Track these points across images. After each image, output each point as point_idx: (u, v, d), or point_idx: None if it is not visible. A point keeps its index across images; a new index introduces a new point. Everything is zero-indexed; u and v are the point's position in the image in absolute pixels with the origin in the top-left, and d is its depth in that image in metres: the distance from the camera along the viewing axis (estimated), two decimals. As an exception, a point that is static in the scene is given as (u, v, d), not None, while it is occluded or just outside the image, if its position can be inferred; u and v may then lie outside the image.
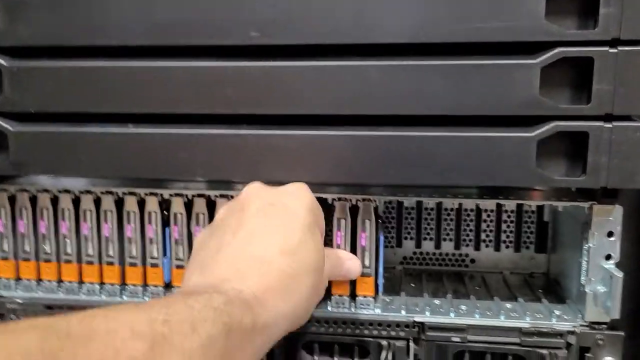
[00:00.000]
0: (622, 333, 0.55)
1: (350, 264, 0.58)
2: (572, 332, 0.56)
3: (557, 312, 0.59)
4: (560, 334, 0.57)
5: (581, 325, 0.57)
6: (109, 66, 0.55)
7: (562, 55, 0.50)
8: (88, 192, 0.62)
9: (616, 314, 0.53)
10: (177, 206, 0.62)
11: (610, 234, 0.55)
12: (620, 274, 0.53)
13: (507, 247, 0.73)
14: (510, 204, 0.72)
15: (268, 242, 0.47)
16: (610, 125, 0.50)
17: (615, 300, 0.53)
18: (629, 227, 0.55)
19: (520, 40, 0.50)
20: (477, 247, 0.74)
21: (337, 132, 0.54)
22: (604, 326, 0.56)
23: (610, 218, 0.55)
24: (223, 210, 0.52)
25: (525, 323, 0.57)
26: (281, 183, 0.53)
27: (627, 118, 0.50)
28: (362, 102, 0.53)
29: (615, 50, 0.49)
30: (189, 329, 0.36)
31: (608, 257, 0.55)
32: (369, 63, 0.52)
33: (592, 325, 0.56)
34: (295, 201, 0.50)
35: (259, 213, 0.48)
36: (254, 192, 0.51)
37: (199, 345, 0.36)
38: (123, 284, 0.64)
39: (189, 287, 0.45)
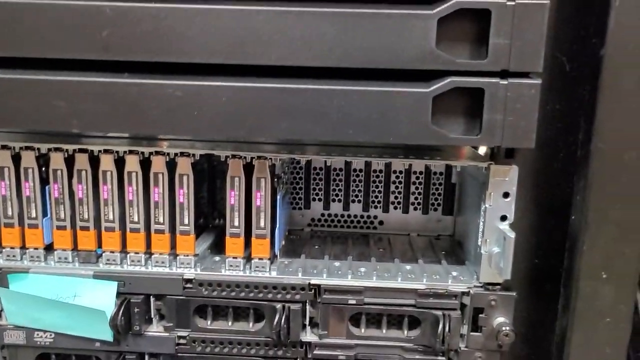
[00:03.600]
0: (513, 294, 0.55)
1: None
2: (466, 293, 0.56)
3: (454, 274, 0.59)
4: (454, 295, 0.56)
5: (475, 287, 0.56)
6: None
7: (459, 6, 0.47)
8: (-45, 145, 0.56)
9: (508, 275, 0.53)
10: (57, 162, 0.56)
11: (506, 195, 0.54)
12: (512, 235, 0.52)
13: (416, 209, 0.72)
14: (418, 166, 0.71)
15: None
16: (505, 82, 0.49)
17: (508, 261, 0.52)
18: (525, 189, 0.54)
19: (417, -11, 0.47)
20: (385, 209, 0.72)
21: (223, 83, 0.50)
22: (498, 287, 0.56)
23: (506, 179, 0.54)
24: None
25: (421, 284, 0.56)
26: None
27: (524, 75, 0.49)
28: (249, 51, 0.49)
29: (513, 3, 0.47)
30: None
31: (503, 218, 0.55)
32: (255, 8, 0.48)
33: (486, 286, 0.56)
34: None
35: None
36: None
37: None
38: (-1, 246, 0.59)
39: None
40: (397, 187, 0.72)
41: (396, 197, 0.72)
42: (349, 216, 0.73)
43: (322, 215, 0.73)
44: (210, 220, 0.71)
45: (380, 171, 0.71)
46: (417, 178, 0.71)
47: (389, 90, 0.49)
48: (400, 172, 0.71)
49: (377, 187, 0.72)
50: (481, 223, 0.56)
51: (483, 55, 0.49)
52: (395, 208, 0.72)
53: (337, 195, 0.73)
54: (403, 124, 0.50)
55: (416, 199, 0.72)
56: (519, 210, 0.54)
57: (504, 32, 0.47)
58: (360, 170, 0.71)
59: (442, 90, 0.49)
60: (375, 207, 0.73)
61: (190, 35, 0.49)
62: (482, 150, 0.62)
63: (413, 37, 0.48)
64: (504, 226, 0.54)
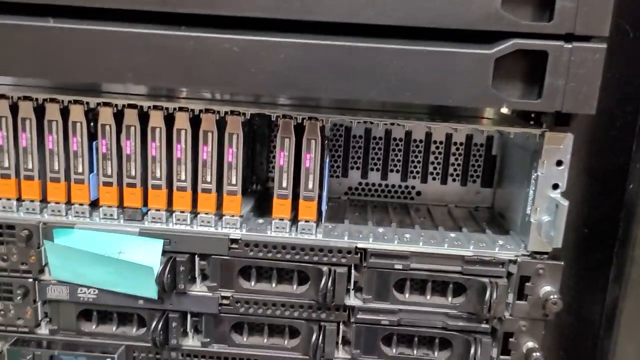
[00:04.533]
0: (561, 263, 0.55)
1: None
2: (513, 261, 0.56)
3: (500, 242, 0.58)
4: (502, 263, 0.56)
5: (523, 255, 0.56)
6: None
7: (527, -34, 0.46)
8: (3, 96, 0.56)
9: (559, 244, 0.52)
10: (105, 117, 0.56)
11: (559, 163, 0.54)
12: (565, 203, 0.51)
13: (454, 180, 0.72)
14: (460, 136, 0.70)
15: None
16: (570, 46, 0.48)
17: (559, 230, 0.52)
18: (577, 157, 0.54)
19: (485, -53, 0.46)
20: (424, 180, 0.72)
21: (283, 39, 0.49)
22: (545, 256, 0.56)
23: (560, 146, 0.53)
24: None
25: (468, 251, 0.56)
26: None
27: (587, 39, 0.48)
28: (310, 7, 0.48)
29: (582, -35, 0.46)
30: None
31: (555, 187, 0.54)
32: (320, -38, 0.47)
33: (534, 254, 0.56)
34: None
35: None
36: None
37: None
38: (44, 200, 0.58)
39: None
40: (436, 158, 0.72)
41: (435, 168, 0.72)
42: (386, 186, 0.73)
43: (360, 184, 0.73)
44: (248, 185, 0.71)
45: (421, 141, 0.71)
46: (457, 149, 0.71)
47: (451, 51, 0.49)
48: (441, 142, 0.71)
49: (416, 157, 0.72)
50: (531, 191, 0.55)
51: (547, 17, 0.48)
52: (434, 179, 0.72)
53: (375, 164, 0.72)
54: (463, 87, 0.49)
55: (455, 170, 0.72)
56: (570, 179, 0.54)
57: (572, -6, 0.47)
58: (400, 139, 0.71)
59: (504, 52, 0.48)
60: (414, 178, 0.72)
61: (249, -11, 0.48)
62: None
63: (479, -3, 0.47)
64: (556, 194, 0.54)
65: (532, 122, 0.58)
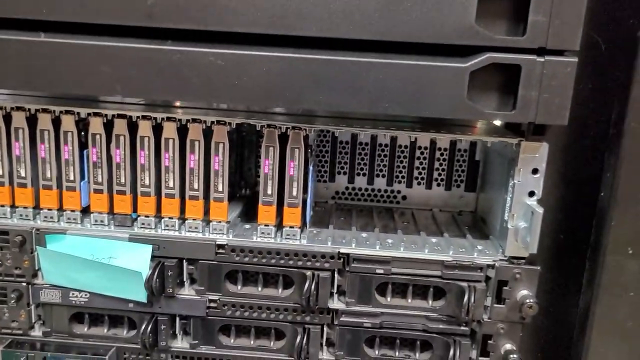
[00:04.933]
0: (538, 268, 0.56)
1: None
2: (491, 266, 0.57)
3: (479, 247, 0.60)
4: (480, 268, 0.57)
5: (501, 260, 0.58)
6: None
7: (500, -17, 0.48)
8: (-4, 107, 0.58)
9: (534, 249, 0.54)
10: (96, 126, 0.58)
11: (535, 171, 0.55)
12: (540, 210, 0.53)
13: (439, 185, 0.74)
14: (444, 142, 0.72)
15: None
16: (542, 59, 0.49)
17: (535, 236, 0.54)
18: (553, 165, 0.55)
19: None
20: (409, 184, 0.74)
21: (266, 53, 0.51)
22: (522, 261, 0.57)
23: (536, 155, 0.55)
24: None
25: (447, 256, 0.58)
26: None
27: (559, 53, 0.49)
28: (290, 22, 0.50)
29: (553, -18, 0.48)
30: None
31: (531, 194, 0.56)
32: (300, -21, 0.49)
33: (512, 259, 0.57)
34: None
35: None
36: None
37: None
38: (37, 207, 0.60)
39: None
40: (421, 163, 0.73)
41: (420, 173, 0.74)
42: (372, 190, 0.75)
43: (347, 188, 0.75)
44: (237, 190, 0.72)
45: (406, 146, 0.73)
46: (442, 154, 0.73)
47: (427, 64, 0.50)
48: (425, 148, 0.72)
49: (401, 162, 0.73)
50: (509, 198, 0.57)
51: (521, 32, 0.50)
52: (419, 184, 0.74)
53: (362, 169, 0.74)
54: (439, 98, 0.51)
55: (440, 175, 0.73)
56: (546, 186, 0.55)
57: (544, 9, 0.48)
58: (386, 145, 0.73)
59: (479, 66, 0.50)
60: (399, 182, 0.74)
61: (233, 5, 0.50)
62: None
63: (453, 12, 0.48)
64: (532, 202, 0.55)
65: (520, 129, 0.59)
